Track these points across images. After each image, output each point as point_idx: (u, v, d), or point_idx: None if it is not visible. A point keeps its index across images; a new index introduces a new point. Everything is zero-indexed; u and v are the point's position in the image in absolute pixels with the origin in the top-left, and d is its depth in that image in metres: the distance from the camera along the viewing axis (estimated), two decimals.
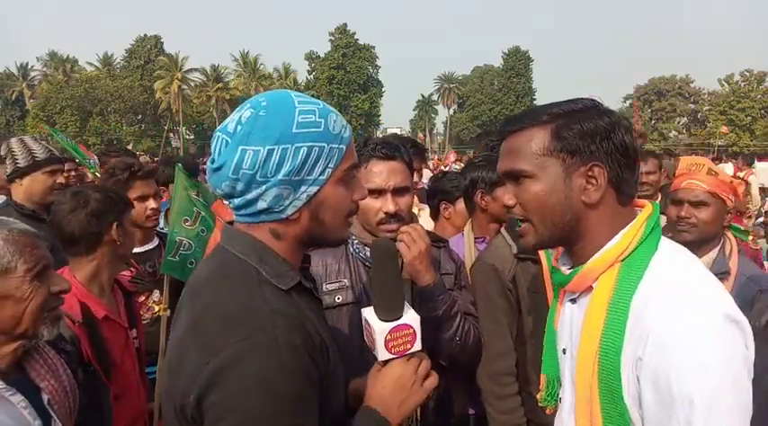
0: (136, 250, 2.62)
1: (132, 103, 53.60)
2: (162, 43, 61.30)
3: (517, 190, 1.17)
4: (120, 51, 63.47)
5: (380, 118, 66.78)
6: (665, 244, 1.13)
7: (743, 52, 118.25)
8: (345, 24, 62.11)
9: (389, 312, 1.10)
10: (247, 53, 65.55)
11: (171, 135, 60.12)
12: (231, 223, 1.14)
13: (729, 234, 2.28)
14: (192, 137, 62.47)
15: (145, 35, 60.93)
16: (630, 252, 1.10)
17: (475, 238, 2.59)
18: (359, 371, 1.24)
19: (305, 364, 0.96)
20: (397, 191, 1.77)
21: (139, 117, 58.30)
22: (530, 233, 1.18)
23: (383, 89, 65.39)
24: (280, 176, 1.00)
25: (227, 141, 1.02)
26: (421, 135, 65.58)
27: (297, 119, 1.01)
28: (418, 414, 1.76)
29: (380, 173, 1.76)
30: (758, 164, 12.60)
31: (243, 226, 1.08)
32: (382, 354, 1.09)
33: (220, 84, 60.81)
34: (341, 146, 1.06)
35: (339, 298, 1.76)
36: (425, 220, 3.18)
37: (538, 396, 1.40)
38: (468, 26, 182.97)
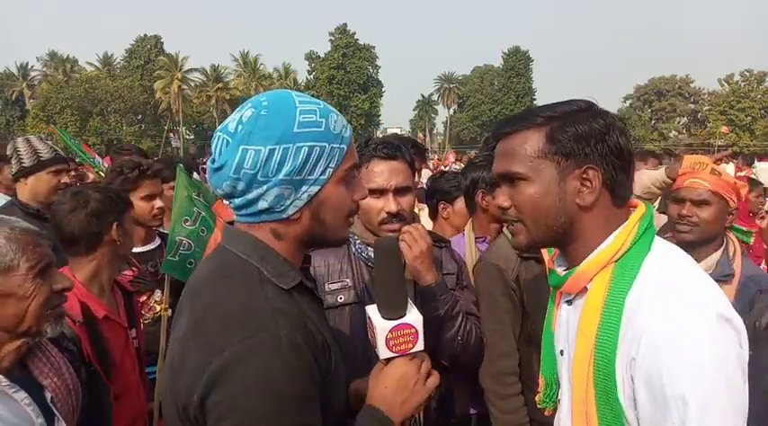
0: (138, 250, 2.65)
1: (132, 103, 53.58)
2: (162, 43, 61.31)
3: (512, 192, 1.17)
4: (120, 51, 63.62)
5: (380, 118, 66.81)
6: (659, 244, 1.13)
7: (743, 52, 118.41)
8: (345, 24, 62.14)
9: (392, 310, 1.10)
10: (247, 53, 65.59)
11: (171, 135, 60.14)
12: (231, 223, 1.14)
13: (732, 235, 2.25)
14: (191, 137, 62.47)
15: (145, 35, 60.94)
16: (624, 252, 1.10)
17: (476, 238, 2.59)
18: (361, 371, 1.24)
19: (308, 363, 0.96)
20: (399, 191, 1.77)
21: (139, 117, 58.28)
22: (522, 233, 1.18)
23: (383, 89, 65.41)
24: (281, 176, 1.00)
25: (227, 141, 1.02)
26: (421, 135, 65.57)
27: (298, 118, 1.01)
28: (420, 414, 1.76)
29: (382, 172, 1.76)
30: (759, 164, 12.59)
31: (244, 226, 1.09)
32: (383, 352, 1.10)
33: (220, 84, 60.81)
34: (342, 146, 1.06)
35: (341, 298, 1.76)
36: (425, 220, 3.18)
37: (536, 398, 1.41)
38: (468, 26, 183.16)
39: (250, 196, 1.02)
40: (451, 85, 72.66)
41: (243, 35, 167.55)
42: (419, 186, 4.57)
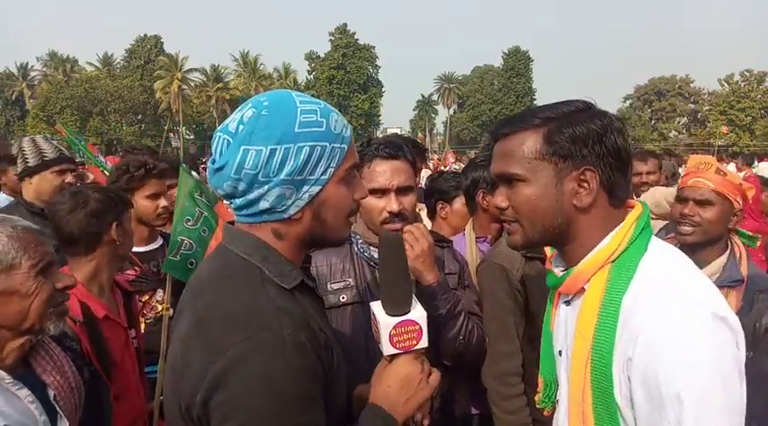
0: (140, 249, 2.66)
1: (132, 103, 53.57)
2: (162, 43, 61.30)
3: (509, 193, 1.17)
4: (120, 51, 63.59)
5: (380, 118, 66.83)
6: (656, 244, 1.13)
7: (743, 52, 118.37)
8: (345, 24, 62.15)
9: (396, 306, 1.10)
10: (247, 53, 65.56)
11: (171, 135, 60.09)
12: (232, 223, 1.14)
13: (737, 238, 2.21)
14: (191, 137, 62.41)
15: (145, 35, 60.93)
16: (620, 253, 1.10)
17: (476, 238, 2.59)
18: (363, 370, 1.25)
19: (311, 362, 0.96)
20: (401, 191, 1.77)
21: (139, 117, 58.29)
22: (518, 232, 1.19)
23: (383, 89, 65.43)
24: (282, 176, 1.00)
25: (228, 141, 1.02)
26: (421, 135, 65.60)
27: (299, 118, 1.01)
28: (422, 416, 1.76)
29: (384, 172, 1.76)
30: (760, 164, 12.57)
31: (245, 226, 1.09)
32: (387, 348, 1.10)
33: (220, 84, 60.78)
34: (342, 146, 1.06)
35: (344, 298, 1.77)
36: (425, 220, 3.18)
37: (536, 398, 1.41)
38: (468, 26, 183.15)
39: (251, 196, 1.02)
40: (451, 85, 72.65)
41: (243, 35, 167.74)
42: (418, 186, 4.57)
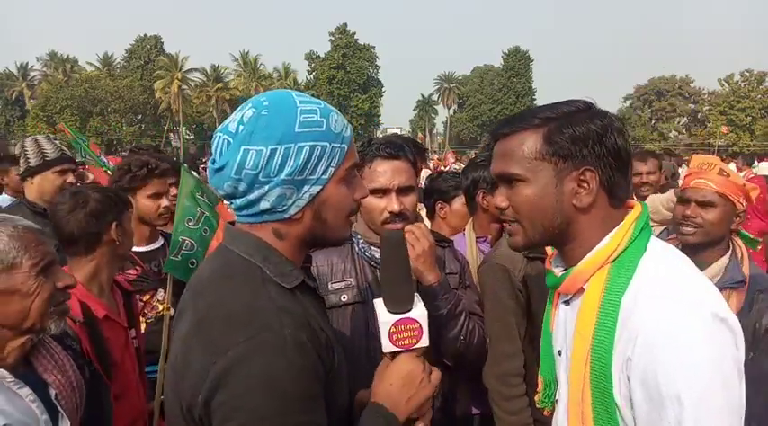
0: (142, 249, 2.67)
1: (132, 103, 53.59)
2: (162, 43, 61.33)
3: (509, 193, 1.18)
4: (120, 51, 63.64)
5: (380, 118, 66.84)
6: (655, 244, 1.13)
7: (743, 52, 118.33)
8: (345, 24, 62.17)
9: (396, 304, 1.10)
10: (247, 53, 65.57)
11: (171, 135, 60.14)
12: (233, 223, 1.14)
13: (738, 240, 2.20)
14: (191, 137, 62.45)
15: (145, 35, 60.96)
16: (620, 253, 1.10)
17: (476, 238, 2.59)
18: (364, 370, 1.25)
19: (312, 362, 0.96)
20: (402, 191, 1.77)
21: (139, 117, 58.30)
22: (519, 233, 1.19)
23: (383, 89, 65.43)
24: (283, 176, 1.00)
25: (228, 141, 1.02)
26: (421, 135, 65.63)
27: (299, 118, 1.01)
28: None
29: (385, 172, 1.76)
30: (760, 164, 12.56)
31: (245, 227, 1.09)
32: (386, 346, 1.10)
33: (220, 84, 60.80)
34: (342, 146, 1.06)
35: (345, 297, 1.77)
36: (425, 220, 3.17)
37: (535, 398, 1.41)
38: (468, 26, 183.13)
39: (252, 196, 1.02)
40: (451, 85, 72.66)
41: (243, 35, 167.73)
42: (418, 186, 4.57)
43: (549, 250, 1.85)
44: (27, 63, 63.14)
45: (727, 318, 1.00)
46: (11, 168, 4.01)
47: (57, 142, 3.06)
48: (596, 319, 1.07)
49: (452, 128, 71.51)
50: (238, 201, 1.05)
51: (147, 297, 2.63)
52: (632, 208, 1.17)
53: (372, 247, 1.83)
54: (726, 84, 58.57)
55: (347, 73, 60.59)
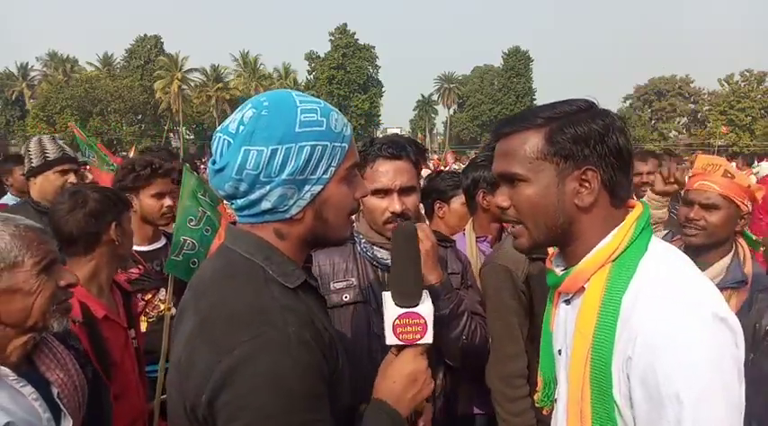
0: (144, 248, 2.68)
1: (132, 103, 53.62)
2: (162, 43, 61.37)
3: (511, 193, 1.17)
4: (120, 51, 63.68)
5: (380, 118, 66.87)
6: (656, 244, 1.13)
7: (743, 52, 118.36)
8: (345, 24, 62.20)
9: (404, 298, 1.11)
10: (247, 53, 65.60)
11: (171, 135, 60.16)
12: (235, 224, 1.14)
13: (741, 240, 2.18)
14: (191, 137, 62.46)
15: (145, 35, 61.00)
16: (621, 252, 1.10)
17: (476, 237, 2.59)
18: (365, 369, 1.25)
19: (317, 360, 0.96)
20: (404, 191, 1.77)
21: (139, 117, 58.32)
22: (523, 235, 1.19)
23: (383, 89, 65.47)
24: (284, 176, 1.00)
25: (229, 142, 1.01)
26: (421, 135, 65.67)
27: (299, 118, 1.01)
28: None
29: (387, 172, 1.76)
30: (761, 165, 12.56)
31: (247, 227, 1.09)
32: (389, 338, 1.10)
33: (220, 84, 60.82)
34: (343, 145, 1.06)
35: (346, 297, 1.77)
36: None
37: (535, 397, 1.41)
38: (468, 26, 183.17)
39: (253, 197, 1.02)
40: (451, 85, 72.67)
41: (243, 35, 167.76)
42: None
43: (550, 250, 1.85)
44: (27, 63, 63.31)
45: (727, 318, 1.00)
46: (15, 168, 4.05)
47: (60, 142, 3.08)
48: (597, 318, 1.08)
49: (452, 128, 71.52)
50: (239, 202, 1.04)
51: (149, 296, 2.64)
52: (633, 207, 1.17)
53: (374, 247, 1.83)
54: (726, 84, 58.58)
55: (347, 73, 60.62)
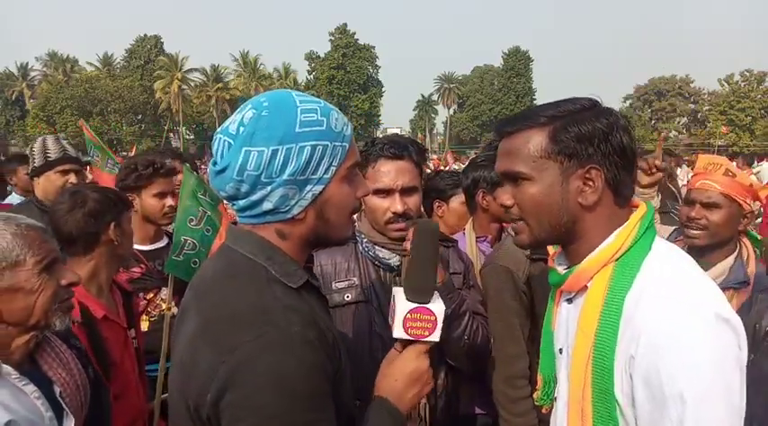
0: (146, 247, 2.69)
1: (132, 103, 53.65)
2: (162, 43, 61.39)
3: (515, 191, 1.17)
4: (120, 51, 63.73)
5: (380, 118, 66.91)
6: (660, 244, 1.13)
7: (743, 52, 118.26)
8: (345, 24, 62.24)
9: (417, 294, 1.11)
10: (247, 53, 65.59)
11: (171, 135, 60.15)
12: (235, 223, 1.14)
13: (746, 240, 2.17)
14: (191, 137, 62.46)
15: (145, 35, 61.01)
16: (624, 252, 1.10)
17: (476, 237, 2.59)
18: (367, 369, 1.25)
19: (321, 359, 0.96)
20: (406, 191, 1.77)
21: (139, 117, 58.35)
22: (524, 231, 1.19)
23: (383, 89, 65.50)
24: (285, 176, 1.00)
25: (229, 143, 1.01)
26: (421, 135, 65.67)
27: (299, 118, 1.01)
28: (427, 414, 1.76)
29: (388, 172, 1.76)
30: (761, 165, 12.55)
31: (248, 227, 1.09)
32: (398, 331, 1.10)
33: (220, 84, 60.83)
34: (343, 144, 1.06)
35: (348, 296, 1.77)
36: None
37: (534, 396, 1.41)
38: (468, 26, 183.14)
39: (254, 197, 1.02)
40: (451, 85, 72.67)
41: (243, 35, 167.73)
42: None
43: (550, 250, 1.85)
44: (27, 63, 63.33)
45: (730, 319, 1.00)
46: (19, 167, 4.09)
47: (64, 142, 3.10)
48: (599, 317, 1.08)
49: (452, 128, 71.53)
50: (241, 203, 1.04)
51: (151, 295, 2.65)
52: (637, 207, 1.17)
53: (376, 247, 1.83)
54: (726, 84, 58.55)
55: (347, 73, 60.65)
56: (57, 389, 1.38)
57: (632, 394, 1.02)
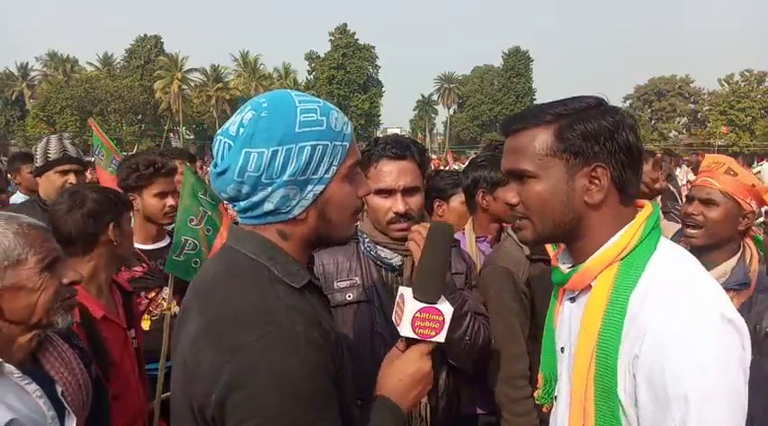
0: (148, 247, 2.70)
1: (132, 103, 53.68)
2: (162, 43, 61.39)
3: (520, 189, 1.17)
4: (120, 51, 63.71)
5: (380, 118, 66.91)
6: (665, 244, 1.13)
7: (743, 52, 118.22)
8: (345, 24, 62.26)
9: (426, 294, 1.11)
10: (247, 53, 65.58)
11: (171, 135, 60.15)
12: (236, 223, 1.14)
13: (750, 242, 2.16)
14: (191, 137, 62.45)
15: (145, 35, 61.03)
16: (629, 251, 1.10)
17: (476, 237, 2.59)
18: (368, 368, 1.25)
19: (325, 359, 0.96)
20: (408, 191, 1.77)
21: (139, 117, 58.37)
22: (528, 228, 1.18)
23: (383, 89, 65.51)
24: (285, 177, 1.00)
25: (229, 144, 1.01)
26: (421, 135, 65.69)
27: (299, 118, 1.00)
28: (428, 414, 1.76)
29: (390, 172, 1.76)
30: (762, 165, 12.55)
31: (250, 227, 1.08)
32: (405, 329, 1.10)
33: (220, 84, 60.83)
34: (344, 144, 1.06)
35: (350, 296, 1.77)
36: None
37: (535, 394, 1.41)
38: (468, 26, 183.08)
39: (255, 198, 1.02)
40: (451, 85, 72.69)
41: (243, 35, 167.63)
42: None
43: (551, 250, 1.85)
44: (27, 63, 63.27)
45: (735, 319, 1.00)
46: (23, 166, 4.11)
47: (67, 142, 3.11)
48: (603, 316, 1.07)
49: (452, 128, 71.53)
50: (242, 204, 1.04)
51: (153, 294, 2.66)
52: (642, 207, 1.17)
53: (378, 246, 1.83)
54: (726, 84, 58.53)
55: (347, 73, 60.67)
56: (59, 388, 1.39)
57: (635, 393, 1.01)
